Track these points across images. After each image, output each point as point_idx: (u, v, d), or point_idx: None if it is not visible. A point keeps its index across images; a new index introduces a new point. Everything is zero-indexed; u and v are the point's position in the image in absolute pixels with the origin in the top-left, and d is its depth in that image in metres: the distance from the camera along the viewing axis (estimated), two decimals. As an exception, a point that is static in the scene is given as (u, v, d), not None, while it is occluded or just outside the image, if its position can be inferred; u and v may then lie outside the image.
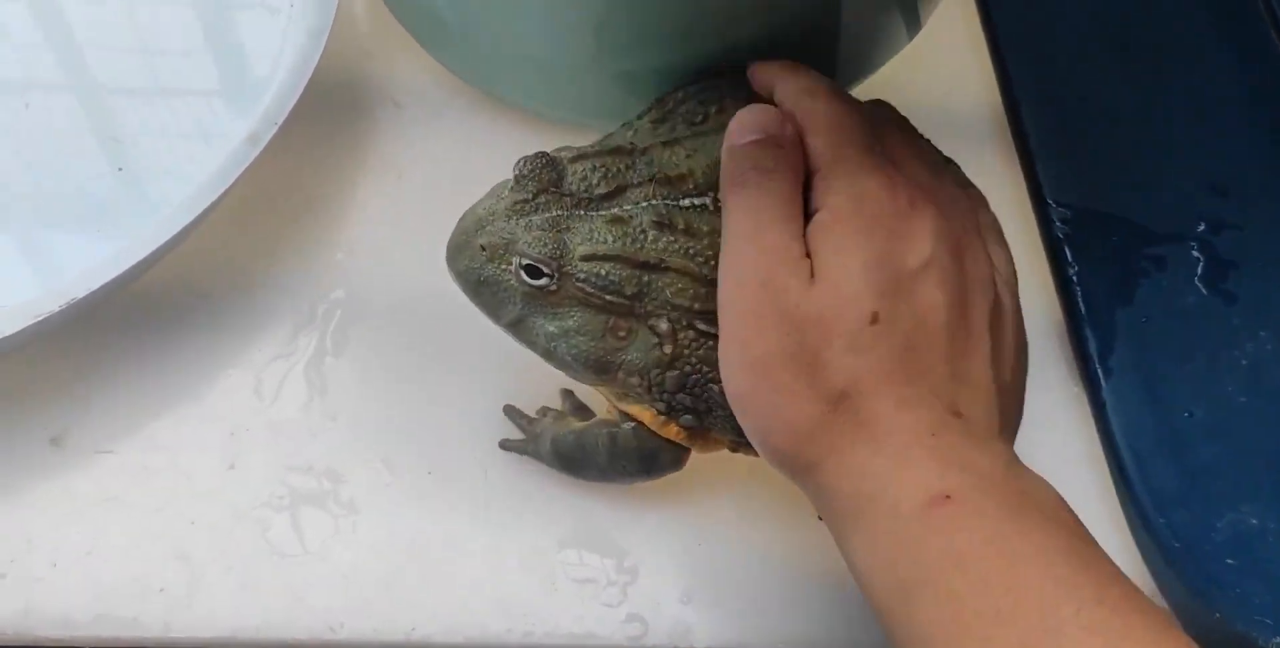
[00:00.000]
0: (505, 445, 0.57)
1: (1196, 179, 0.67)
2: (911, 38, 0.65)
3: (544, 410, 0.57)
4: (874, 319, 0.39)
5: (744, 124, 0.44)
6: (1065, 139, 0.67)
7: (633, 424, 0.51)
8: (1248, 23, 0.72)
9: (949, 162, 0.53)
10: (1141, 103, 0.69)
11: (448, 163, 0.66)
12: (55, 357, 0.58)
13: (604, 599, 0.53)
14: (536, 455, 0.56)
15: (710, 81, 0.53)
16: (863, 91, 0.59)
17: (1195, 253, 0.64)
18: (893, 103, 0.53)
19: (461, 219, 0.49)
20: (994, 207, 0.52)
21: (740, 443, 0.50)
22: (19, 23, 0.65)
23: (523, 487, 0.56)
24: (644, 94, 0.55)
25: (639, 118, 0.53)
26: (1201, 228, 0.65)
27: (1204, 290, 0.62)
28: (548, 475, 0.56)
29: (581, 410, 0.57)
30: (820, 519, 0.42)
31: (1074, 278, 0.62)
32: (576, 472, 0.54)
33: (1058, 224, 0.64)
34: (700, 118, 0.51)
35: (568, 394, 0.58)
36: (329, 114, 0.67)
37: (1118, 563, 0.37)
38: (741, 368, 0.40)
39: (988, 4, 0.72)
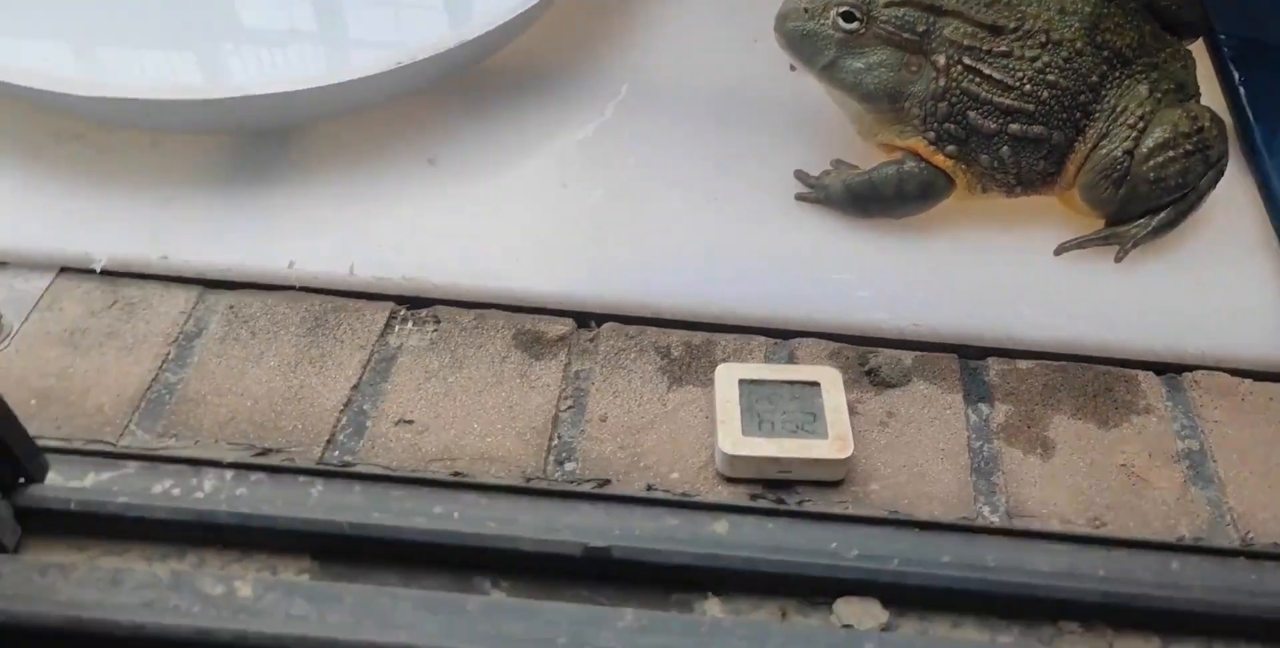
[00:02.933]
0: (801, 197, 0.72)
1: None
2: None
3: (826, 172, 0.73)
4: None
5: None
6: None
7: (914, 160, 0.66)
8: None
9: None
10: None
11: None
12: (432, 104, 0.75)
13: (852, 293, 0.68)
14: (827, 201, 0.71)
15: None
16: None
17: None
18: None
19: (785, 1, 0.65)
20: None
21: (991, 176, 0.66)
22: None
23: (781, 208, 0.72)
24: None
25: None
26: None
27: (1349, 97, 0.75)
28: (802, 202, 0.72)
29: (854, 169, 0.72)
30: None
31: (1240, 87, 0.76)
32: (863, 208, 0.70)
33: (1225, 49, 0.78)
34: None
35: (839, 162, 0.73)
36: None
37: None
38: None
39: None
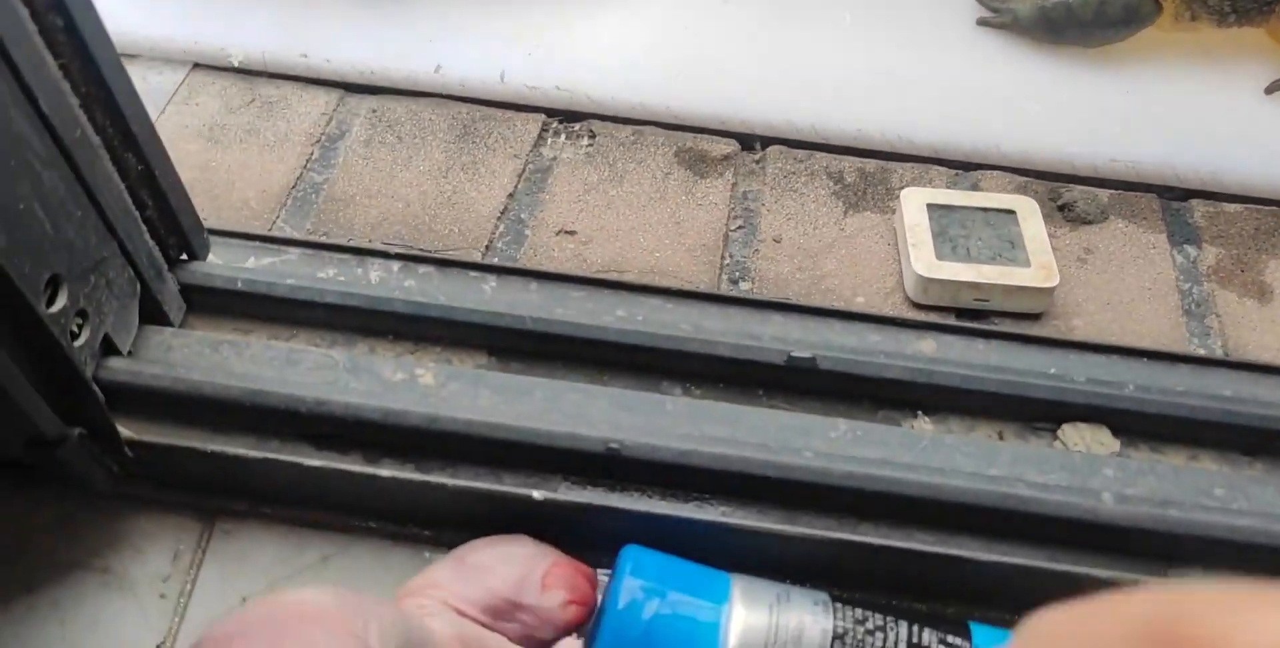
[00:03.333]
0: (984, 22, 0.67)
1: None
2: None
3: (1008, -4, 0.66)
4: None
5: None
6: None
7: None
8: None
9: None
10: None
11: None
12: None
13: (1042, 124, 0.62)
14: (1014, 26, 0.65)
15: None
16: None
17: None
18: None
19: None
20: None
21: (1203, 2, 0.60)
22: None
23: (961, 33, 0.66)
24: None
25: None
26: None
27: None
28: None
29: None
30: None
31: None
32: (1057, 33, 0.64)
33: None
34: None
35: None
36: None
37: None
38: None
39: None
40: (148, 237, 0.42)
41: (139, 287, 0.42)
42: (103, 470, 0.39)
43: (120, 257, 0.40)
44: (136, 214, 0.41)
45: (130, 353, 0.42)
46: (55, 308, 0.35)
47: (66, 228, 0.36)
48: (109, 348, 0.40)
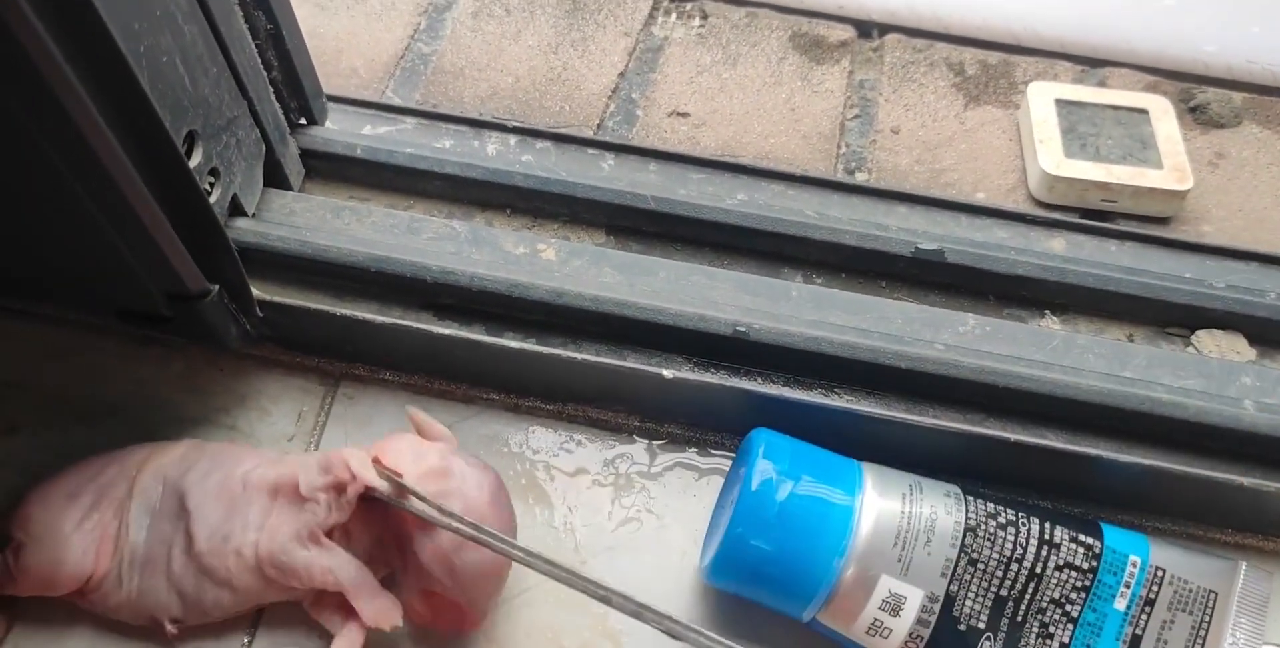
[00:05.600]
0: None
1: None
2: None
3: None
4: None
5: None
6: None
7: None
8: None
9: None
10: None
11: None
12: None
13: (1176, 20, 0.59)
14: None
15: None
16: None
17: None
18: None
19: None
20: None
21: None
22: None
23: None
24: None
25: None
26: None
27: None
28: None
29: None
30: None
31: None
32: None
33: None
34: None
35: None
36: None
37: None
38: None
39: None
40: (273, 98, 0.41)
41: (264, 148, 0.41)
42: (237, 328, 0.39)
43: (249, 117, 0.39)
44: (265, 74, 0.40)
45: (254, 215, 0.41)
46: (193, 164, 0.35)
47: (203, 84, 0.35)
48: (235, 209, 0.40)
